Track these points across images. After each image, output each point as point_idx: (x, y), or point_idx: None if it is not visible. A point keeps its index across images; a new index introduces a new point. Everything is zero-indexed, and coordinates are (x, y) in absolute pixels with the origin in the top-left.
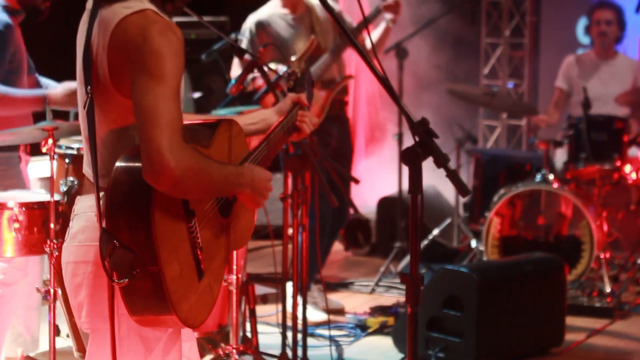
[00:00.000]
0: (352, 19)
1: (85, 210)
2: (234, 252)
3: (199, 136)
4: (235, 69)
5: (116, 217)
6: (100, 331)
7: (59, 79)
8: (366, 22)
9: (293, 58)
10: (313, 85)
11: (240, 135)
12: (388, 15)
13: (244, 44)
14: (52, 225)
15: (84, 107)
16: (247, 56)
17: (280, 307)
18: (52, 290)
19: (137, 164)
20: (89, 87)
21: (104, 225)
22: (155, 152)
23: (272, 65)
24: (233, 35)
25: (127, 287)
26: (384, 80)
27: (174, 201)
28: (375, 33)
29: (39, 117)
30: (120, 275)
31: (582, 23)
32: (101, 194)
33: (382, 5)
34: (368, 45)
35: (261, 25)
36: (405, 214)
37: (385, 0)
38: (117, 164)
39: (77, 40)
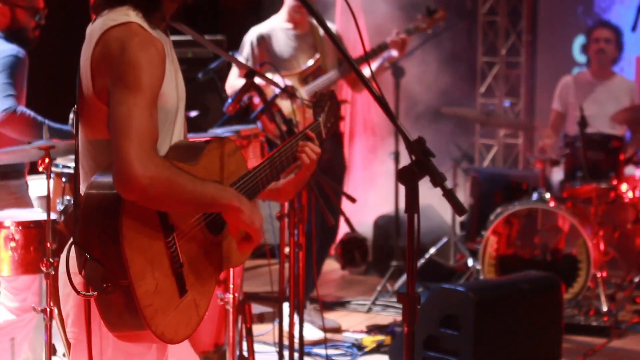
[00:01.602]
0: (349, 44)
1: None
2: (231, 270)
3: (186, 154)
4: (232, 78)
5: (88, 229)
6: (84, 342)
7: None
8: (368, 56)
9: (304, 66)
10: (339, 107)
11: (236, 154)
12: (392, 53)
13: (243, 56)
14: (48, 244)
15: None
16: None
17: (277, 325)
18: (48, 310)
19: (109, 178)
20: (75, 106)
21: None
22: (123, 161)
23: (269, 75)
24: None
25: (102, 302)
26: (380, 100)
27: (149, 215)
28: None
29: None
30: (94, 288)
31: (578, 42)
32: None
33: (389, 40)
34: (367, 73)
35: (262, 39)
36: (402, 232)
37: (393, 36)
38: (93, 177)
39: None
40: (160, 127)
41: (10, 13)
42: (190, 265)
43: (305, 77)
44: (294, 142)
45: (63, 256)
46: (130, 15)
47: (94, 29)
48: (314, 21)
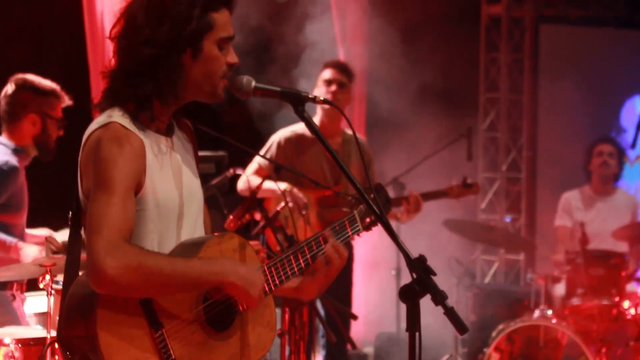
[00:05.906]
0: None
1: None
2: None
3: (187, 250)
4: (249, 171)
5: (68, 327)
6: None
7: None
8: (377, 212)
9: (323, 186)
10: (388, 202)
11: (246, 248)
12: (397, 213)
13: (267, 156)
14: None
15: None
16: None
17: None
18: None
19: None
20: (70, 211)
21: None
22: (93, 256)
23: (279, 185)
24: (231, 170)
25: None
26: (381, 218)
27: (130, 309)
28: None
29: None
30: None
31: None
32: None
33: (405, 207)
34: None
35: (289, 142)
36: (403, 350)
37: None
38: (79, 276)
39: None
40: (158, 225)
41: (42, 124)
42: None
43: (322, 200)
44: (319, 238)
45: None
46: (113, 115)
47: (85, 134)
48: (349, 131)
